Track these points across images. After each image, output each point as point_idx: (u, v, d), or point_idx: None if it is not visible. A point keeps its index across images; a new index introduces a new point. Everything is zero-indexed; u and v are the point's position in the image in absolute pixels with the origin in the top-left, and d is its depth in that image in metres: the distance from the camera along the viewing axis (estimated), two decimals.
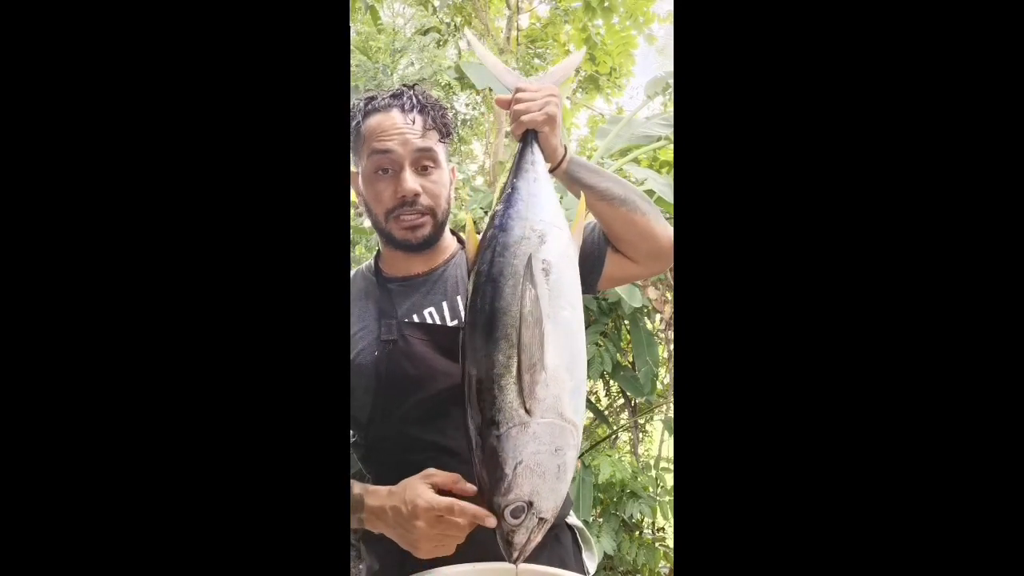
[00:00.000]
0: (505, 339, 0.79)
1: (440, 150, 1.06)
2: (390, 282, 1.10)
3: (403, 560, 0.99)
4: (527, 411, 0.78)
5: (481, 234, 0.89)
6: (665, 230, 1.03)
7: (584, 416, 0.83)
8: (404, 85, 1.08)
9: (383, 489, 0.89)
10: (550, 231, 0.86)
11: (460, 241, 1.15)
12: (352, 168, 1.11)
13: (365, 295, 1.10)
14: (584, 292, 1.07)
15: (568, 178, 0.98)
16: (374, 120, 1.04)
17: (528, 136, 0.94)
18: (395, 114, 1.03)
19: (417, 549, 0.85)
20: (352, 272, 1.16)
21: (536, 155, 0.93)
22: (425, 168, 1.03)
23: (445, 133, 1.07)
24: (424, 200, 1.03)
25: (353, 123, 1.07)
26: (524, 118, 0.92)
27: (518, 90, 0.94)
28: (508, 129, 0.97)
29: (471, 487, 0.85)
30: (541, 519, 0.80)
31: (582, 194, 0.97)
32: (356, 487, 0.91)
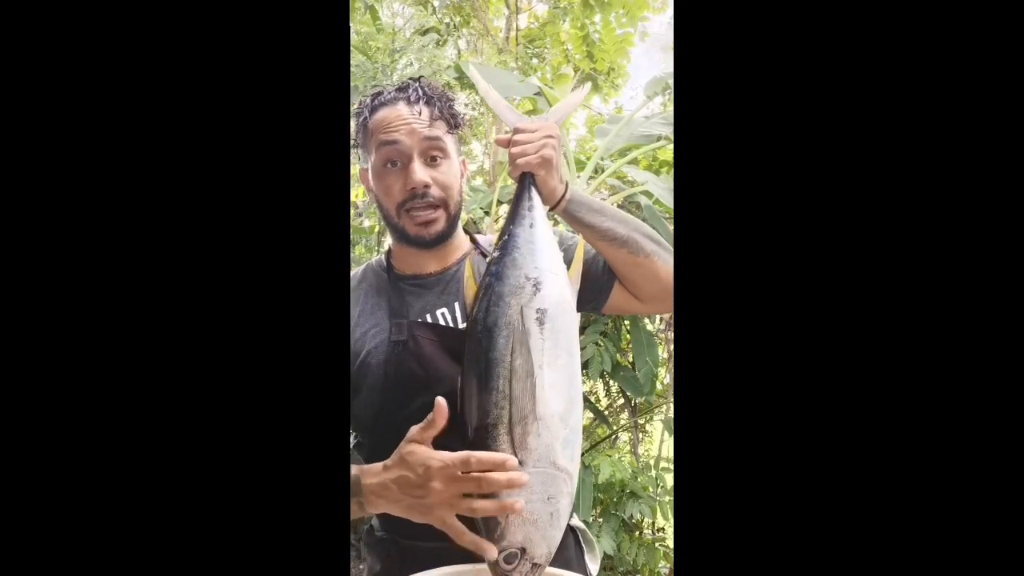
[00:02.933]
0: (498, 390, 0.80)
1: (449, 141, 1.04)
2: (403, 280, 1.08)
3: (403, 560, 0.98)
4: (519, 462, 0.79)
5: (479, 281, 0.88)
6: (669, 273, 1.00)
7: (578, 461, 0.84)
8: (410, 78, 1.07)
9: (377, 465, 0.85)
10: (546, 278, 0.85)
11: (473, 240, 1.13)
12: (362, 165, 1.09)
13: (377, 292, 1.08)
14: (589, 311, 1.07)
15: (568, 217, 0.97)
16: (380, 114, 1.03)
17: (525, 179, 0.93)
18: (401, 106, 1.02)
19: (431, 515, 0.81)
20: (362, 266, 1.15)
21: (534, 199, 0.92)
22: (434, 159, 1.02)
23: (453, 124, 1.05)
24: (435, 191, 1.01)
25: (360, 119, 1.06)
26: (519, 161, 0.91)
27: (516, 131, 0.93)
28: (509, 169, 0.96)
29: (444, 408, 0.82)
30: (535, 564, 0.81)
31: (581, 240, 0.95)
32: (352, 470, 0.88)
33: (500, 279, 0.85)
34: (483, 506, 0.79)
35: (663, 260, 1.00)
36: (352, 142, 1.09)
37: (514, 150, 0.92)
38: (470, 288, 0.89)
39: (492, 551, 0.79)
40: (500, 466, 0.78)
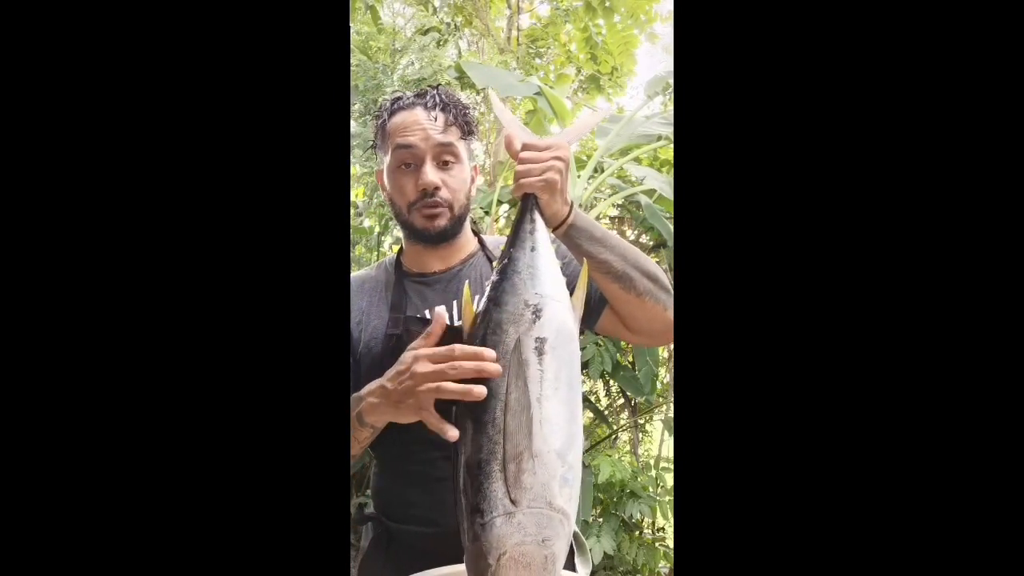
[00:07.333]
0: (492, 424, 0.76)
1: (461, 147, 1.08)
2: (408, 277, 1.12)
3: (390, 544, 1.05)
4: (512, 501, 0.75)
5: (477, 304, 0.85)
6: (659, 315, 1.00)
7: (576, 503, 0.79)
8: (429, 86, 1.11)
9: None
10: (547, 304, 0.82)
11: (481, 243, 1.16)
12: (378, 166, 1.14)
13: (385, 287, 1.12)
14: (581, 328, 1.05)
15: (567, 242, 0.97)
16: (398, 118, 1.07)
17: (528, 199, 0.91)
18: (418, 111, 1.06)
19: (412, 403, 0.80)
20: (376, 263, 1.20)
21: (536, 221, 0.90)
22: (446, 163, 1.06)
23: (467, 131, 1.09)
24: (444, 193, 1.05)
25: (379, 121, 1.11)
26: (523, 181, 0.90)
27: (524, 147, 0.92)
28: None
29: (443, 317, 0.83)
30: None
31: (584, 263, 0.94)
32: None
33: (498, 305, 0.82)
34: (450, 388, 0.77)
35: (657, 301, 0.99)
36: (371, 143, 1.12)
37: (519, 168, 0.91)
38: (468, 314, 0.85)
39: (453, 431, 0.77)
40: (479, 357, 0.77)
